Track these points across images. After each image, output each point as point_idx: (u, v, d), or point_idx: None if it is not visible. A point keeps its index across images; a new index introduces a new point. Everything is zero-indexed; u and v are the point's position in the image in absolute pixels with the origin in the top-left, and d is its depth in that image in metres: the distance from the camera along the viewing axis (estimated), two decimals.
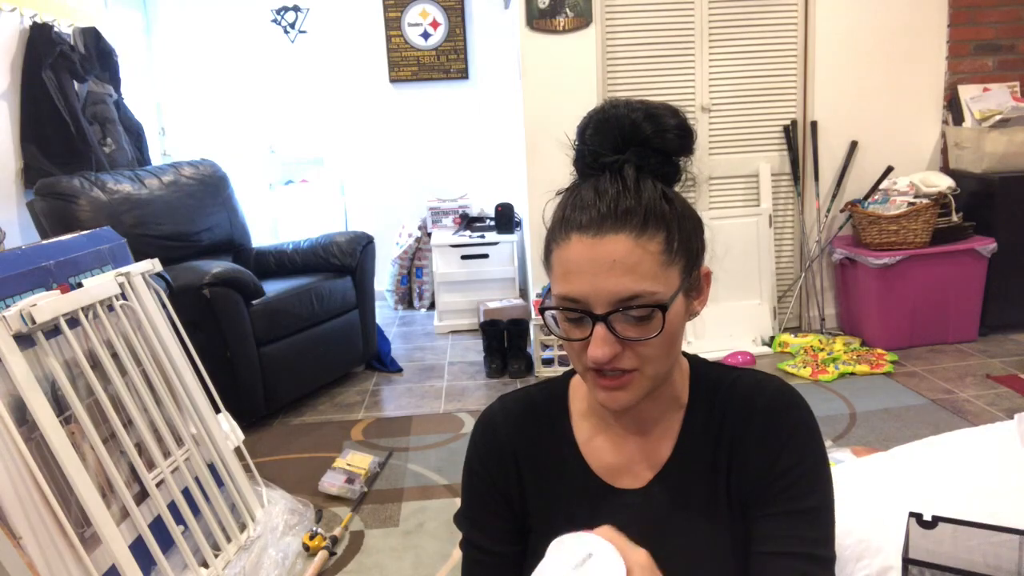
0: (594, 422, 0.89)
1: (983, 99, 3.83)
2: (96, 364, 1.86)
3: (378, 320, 3.89)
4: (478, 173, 5.04)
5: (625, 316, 0.74)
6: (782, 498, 0.79)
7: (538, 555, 0.88)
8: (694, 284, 0.80)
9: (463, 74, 4.94)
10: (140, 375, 2.00)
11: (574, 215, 0.76)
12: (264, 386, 3.15)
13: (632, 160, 0.76)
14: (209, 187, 3.69)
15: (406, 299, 5.01)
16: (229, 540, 2.10)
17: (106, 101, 3.68)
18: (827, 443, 2.28)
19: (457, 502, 2.02)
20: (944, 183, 3.62)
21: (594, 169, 0.78)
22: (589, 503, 0.86)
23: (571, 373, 0.93)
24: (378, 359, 3.83)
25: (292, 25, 5.05)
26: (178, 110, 4.93)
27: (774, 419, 0.81)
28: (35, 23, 3.36)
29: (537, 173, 3.79)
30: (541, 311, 0.82)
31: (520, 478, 0.89)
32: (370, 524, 2.39)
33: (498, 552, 0.91)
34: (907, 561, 1.31)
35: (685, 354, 0.89)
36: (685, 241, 0.77)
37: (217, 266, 3.02)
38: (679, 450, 0.85)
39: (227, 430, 2.32)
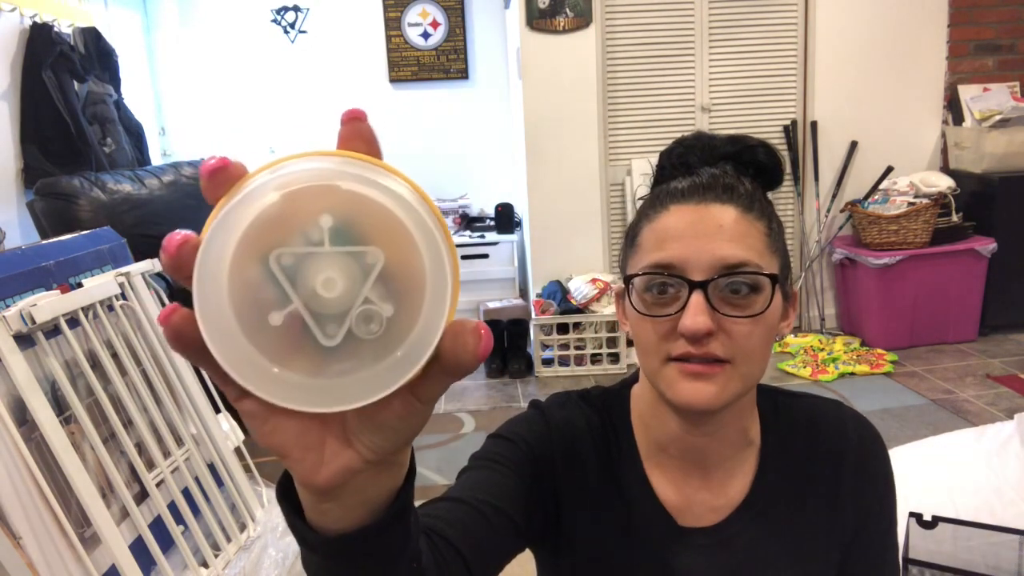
0: (651, 452, 0.79)
1: (983, 99, 3.83)
2: (96, 364, 1.86)
3: None
4: (478, 173, 5.04)
5: (724, 290, 0.67)
6: (877, 559, 0.81)
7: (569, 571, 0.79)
8: (788, 295, 0.75)
9: (463, 74, 4.94)
10: (140, 375, 2.00)
11: (670, 193, 0.72)
12: None
13: (728, 164, 0.74)
14: None
15: None
16: (229, 540, 2.09)
17: (106, 101, 3.68)
18: None
19: None
20: (944, 183, 3.62)
21: (682, 172, 0.75)
22: (653, 537, 0.78)
23: (628, 385, 0.84)
24: None
25: (292, 25, 5.04)
26: (178, 110, 4.92)
27: (871, 466, 0.81)
28: (35, 23, 3.36)
29: (537, 173, 3.79)
30: (626, 281, 0.72)
31: (568, 487, 0.79)
32: None
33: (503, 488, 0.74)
34: (907, 561, 1.31)
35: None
36: (782, 244, 0.73)
37: None
38: (757, 489, 0.78)
39: (227, 430, 2.32)
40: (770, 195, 0.78)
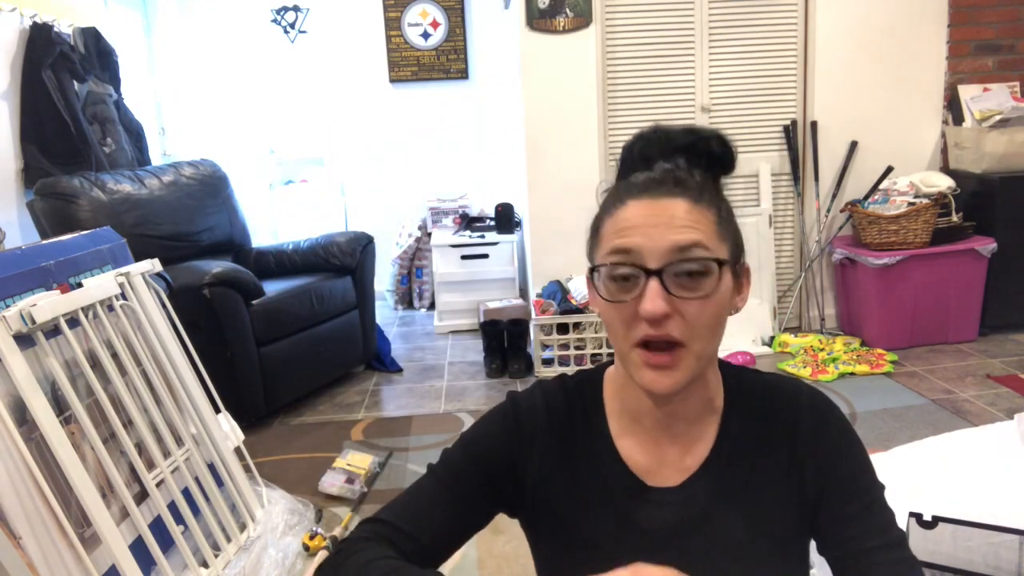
0: (625, 422, 0.88)
1: (983, 99, 3.83)
2: (96, 364, 1.86)
3: (378, 320, 3.89)
4: (478, 173, 5.04)
5: (678, 276, 0.75)
6: (856, 496, 0.84)
7: (554, 540, 0.89)
8: (739, 273, 0.82)
9: (463, 74, 4.94)
10: (140, 375, 2.00)
11: (627, 188, 0.80)
12: (264, 386, 3.14)
13: (683, 156, 0.81)
14: (209, 187, 3.69)
15: (406, 299, 5.01)
16: (229, 540, 2.09)
17: (106, 101, 3.68)
18: None
19: None
20: (944, 183, 3.62)
21: (642, 167, 0.82)
22: (621, 497, 0.86)
23: (604, 367, 0.93)
24: (378, 359, 3.83)
25: (292, 25, 5.05)
26: (178, 110, 4.92)
27: (824, 426, 0.86)
28: (35, 23, 3.36)
29: (537, 173, 3.79)
30: (590, 272, 0.81)
31: (535, 466, 0.88)
32: None
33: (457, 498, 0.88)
34: None
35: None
36: (732, 226, 0.81)
37: (217, 266, 3.02)
38: (718, 451, 0.86)
39: (227, 430, 2.32)
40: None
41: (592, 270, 0.80)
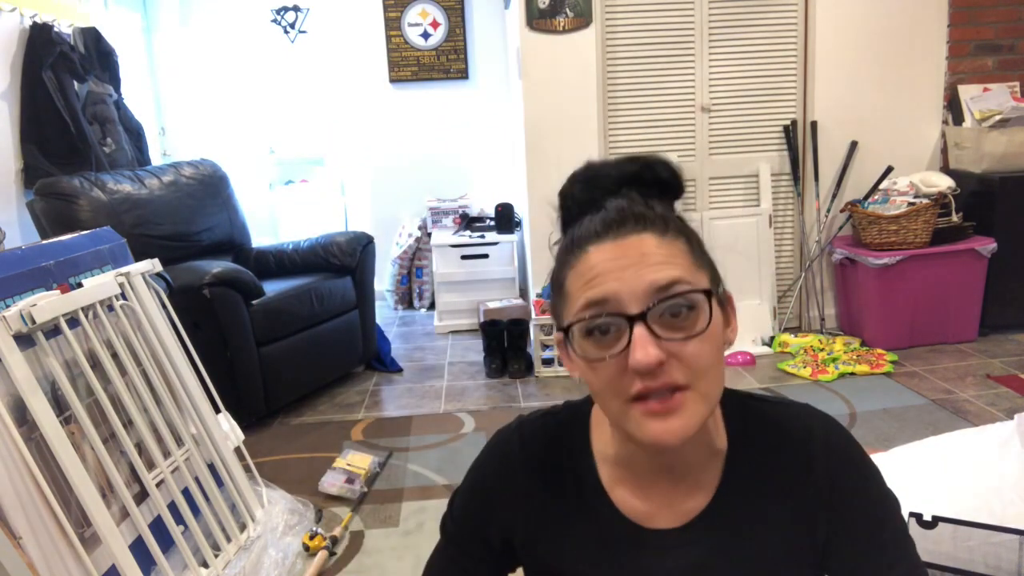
0: (617, 469, 0.81)
1: (983, 99, 3.83)
2: (96, 364, 1.86)
3: (378, 320, 3.89)
4: (478, 173, 5.04)
5: (663, 315, 0.66)
6: (870, 534, 0.78)
7: None
8: (723, 302, 0.75)
9: (463, 74, 4.94)
10: (140, 375, 2.00)
11: (584, 235, 0.71)
12: (264, 386, 3.14)
13: (633, 188, 0.74)
14: (209, 187, 3.69)
15: (406, 299, 5.01)
16: (229, 540, 2.09)
17: (106, 101, 3.68)
18: None
19: None
20: (944, 183, 3.62)
21: (590, 209, 0.74)
22: (619, 545, 0.80)
23: (589, 404, 0.85)
24: (378, 359, 3.83)
25: (292, 25, 5.05)
26: (178, 110, 4.93)
27: (840, 465, 0.79)
28: (35, 23, 3.36)
29: (537, 173, 3.80)
30: (563, 332, 0.71)
31: (525, 516, 0.84)
32: (370, 524, 2.39)
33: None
34: None
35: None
36: (705, 255, 0.74)
37: (217, 266, 3.02)
38: (721, 497, 0.79)
39: (227, 430, 2.32)
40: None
41: (564, 332, 0.71)
